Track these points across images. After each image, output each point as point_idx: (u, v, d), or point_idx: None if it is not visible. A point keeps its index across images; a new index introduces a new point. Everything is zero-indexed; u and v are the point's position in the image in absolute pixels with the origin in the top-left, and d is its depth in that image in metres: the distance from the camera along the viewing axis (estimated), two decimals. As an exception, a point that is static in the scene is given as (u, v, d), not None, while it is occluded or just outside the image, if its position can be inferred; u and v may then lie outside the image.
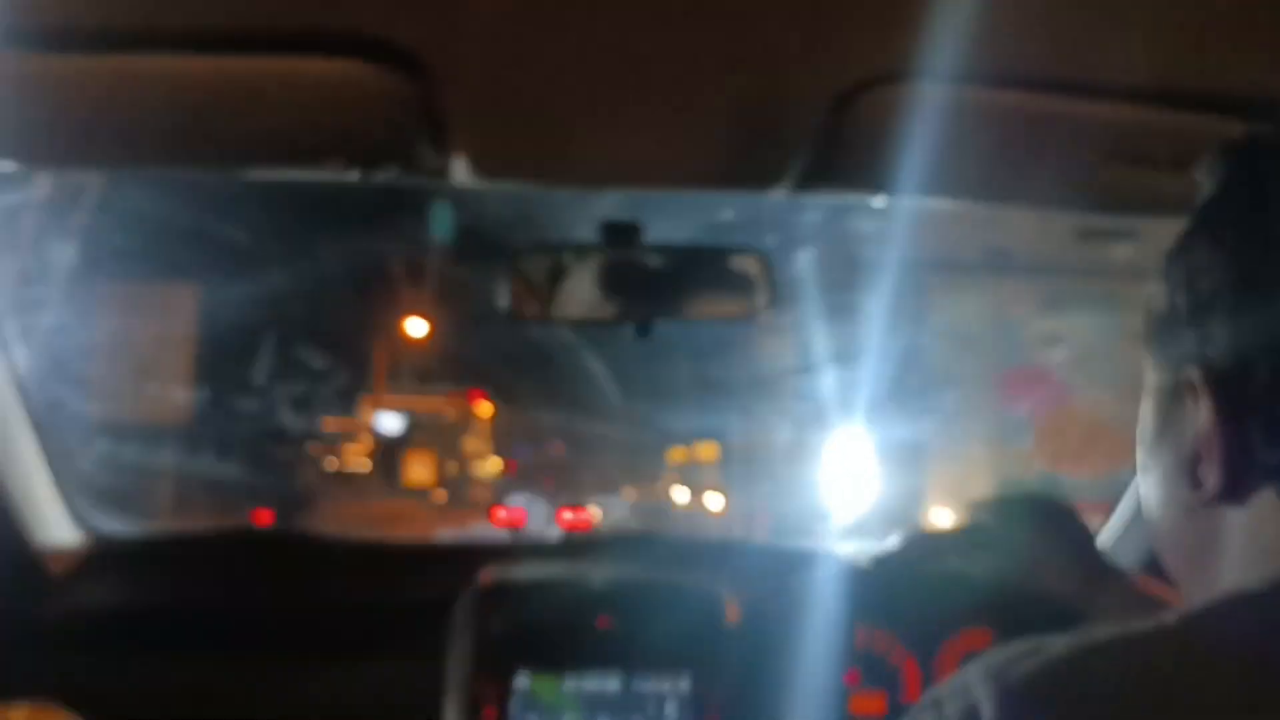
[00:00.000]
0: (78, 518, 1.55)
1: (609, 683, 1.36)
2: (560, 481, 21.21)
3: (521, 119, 1.15)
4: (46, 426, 1.50)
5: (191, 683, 1.38)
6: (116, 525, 1.64)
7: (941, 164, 1.20)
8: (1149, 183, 1.14)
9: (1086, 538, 1.15)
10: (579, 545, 1.80)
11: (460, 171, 1.23)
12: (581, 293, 1.36)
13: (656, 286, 1.36)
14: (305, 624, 1.45)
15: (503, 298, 1.31)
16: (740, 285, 1.37)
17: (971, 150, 1.18)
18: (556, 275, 1.35)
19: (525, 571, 1.49)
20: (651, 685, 1.37)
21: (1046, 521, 1.14)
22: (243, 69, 1.01)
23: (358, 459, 22.25)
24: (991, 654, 0.56)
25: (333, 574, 1.57)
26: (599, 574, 1.48)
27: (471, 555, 1.57)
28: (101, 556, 1.54)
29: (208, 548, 1.65)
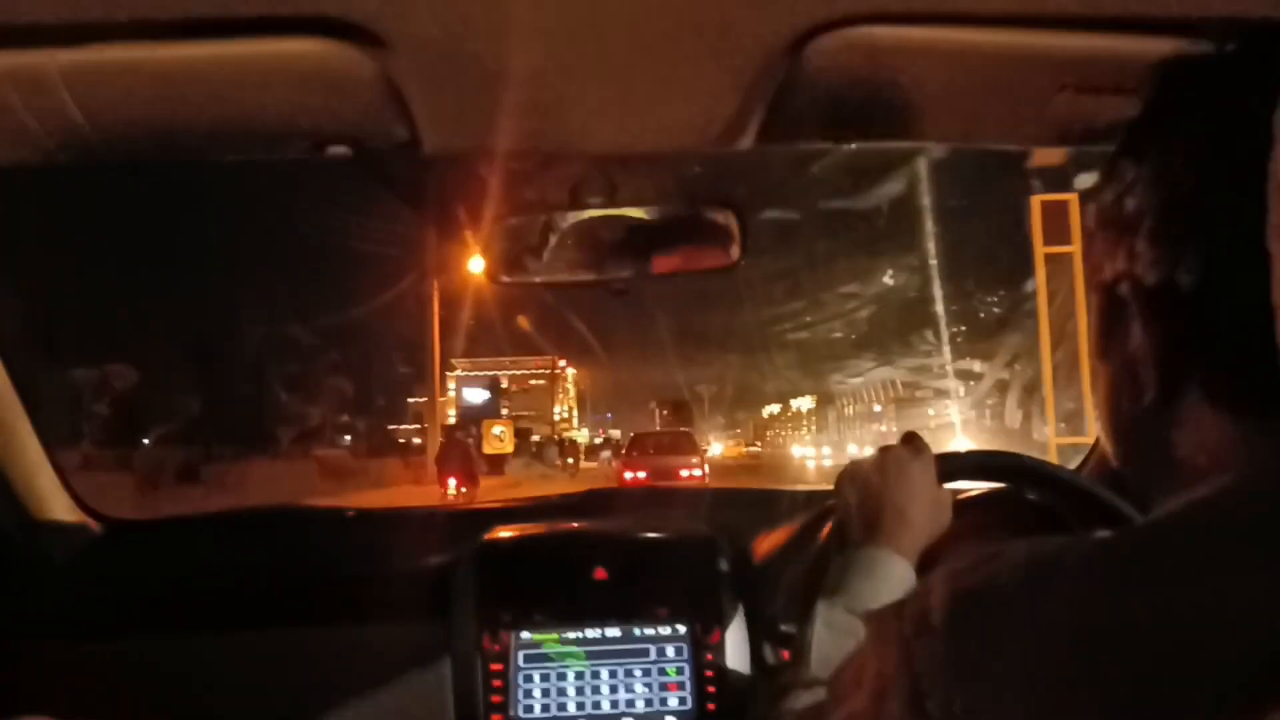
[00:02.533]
0: (81, 504, 1.60)
1: (609, 631, 1.40)
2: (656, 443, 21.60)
3: (484, 88, 1.17)
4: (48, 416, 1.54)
5: (201, 659, 1.44)
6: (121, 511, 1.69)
7: (899, 105, 1.21)
8: (1106, 112, 1.14)
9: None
10: (579, 502, 1.83)
11: (429, 144, 1.25)
12: (557, 256, 1.38)
13: (631, 245, 1.38)
14: (312, 595, 1.50)
15: (480, 263, 1.33)
16: (713, 238, 1.38)
17: (928, 90, 1.18)
18: (532, 240, 1.37)
19: (523, 530, 1.52)
20: (651, 632, 1.41)
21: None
22: (202, 55, 1.04)
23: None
24: (957, 557, 0.58)
25: (338, 544, 1.62)
26: (595, 528, 1.52)
27: (474, 518, 1.61)
28: (106, 541, 1.59)
29: (211, 528, 1.70)
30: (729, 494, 2.02)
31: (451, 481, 14.74)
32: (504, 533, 1.53)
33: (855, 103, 1.20)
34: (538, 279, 1.43)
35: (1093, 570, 0.52)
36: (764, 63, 1.10)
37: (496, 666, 1.39)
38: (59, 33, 0.98)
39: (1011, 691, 0.49)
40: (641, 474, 17.68)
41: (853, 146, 1.34)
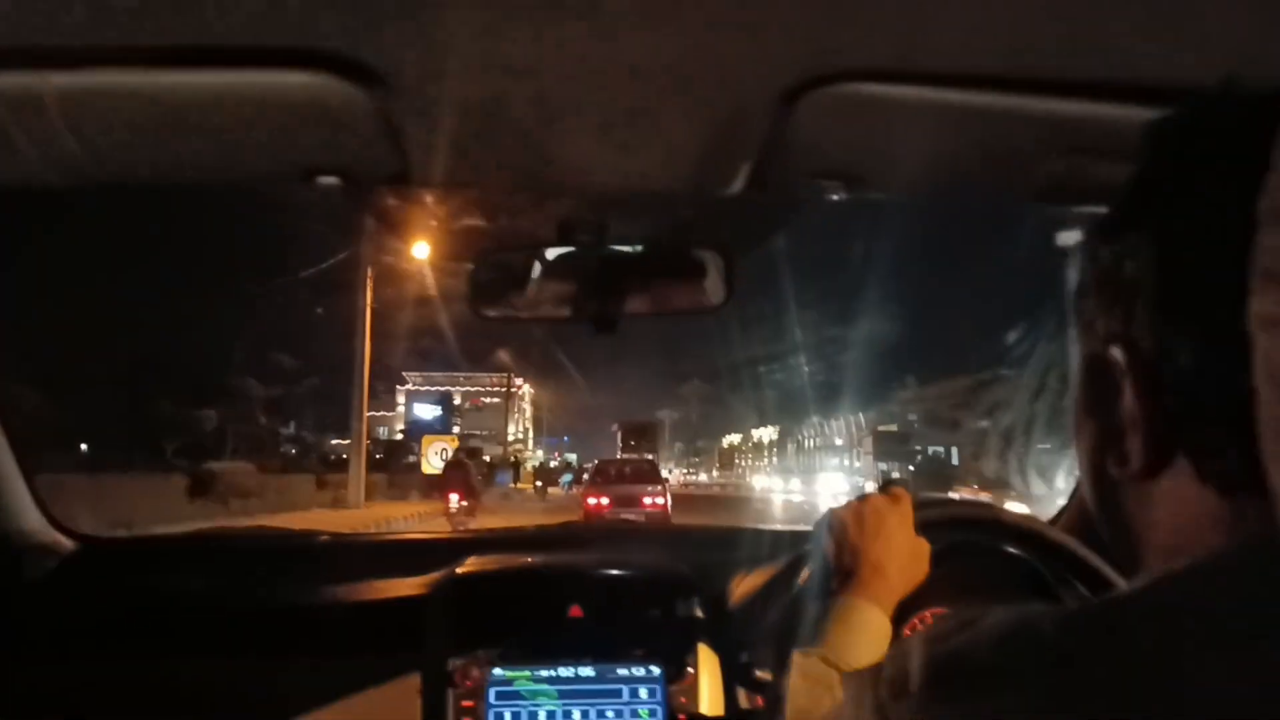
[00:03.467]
0: (54, 521, 1.58)
1: (583, 670, 1.40)
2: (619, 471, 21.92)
3: (477, 126, 1.19)
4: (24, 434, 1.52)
5: (171, 682, 1.42)
6: (97, 529, 1.66)
7: (889, 162, 1.24)
8: (1095, 173, 1.17)
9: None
10: (556, 535, 1.83)
11: (419, 176, 1.26)
12: (544, 291, 1.38)
13: (617, 283, 1.40)
14: (283, 624, 1.49)
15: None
16: (700, 279, 1.39)
17: (918, 148, 1.21)
18: (519, 274, 1.38)
19: (499, 564, 1.52)
20: (624, 672, 1.41)
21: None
22: (197, 83, 1.05)
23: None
24: (936, 622, 0.59)
25: (310, 571, 1.60)
26: (571, 565, 1.51)
27: (451, 548, 1.60)
28: (82, 560, 1.57)
29: (184, 549, 1.68)
30: (707, 533, 2.02)
31: (453, 496, 16.42)
32: (478, 566, 1.52)
33: (846, 157, 1.23)
34: (523, 315, 1.43)
35: (1071, 641, 0.52)
36: (756, 114, 1.12)
37: (468, 704, 1.38)
38: (54, 55, 0.98)
39: None
40: (605, 500, 18.77)
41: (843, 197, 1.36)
